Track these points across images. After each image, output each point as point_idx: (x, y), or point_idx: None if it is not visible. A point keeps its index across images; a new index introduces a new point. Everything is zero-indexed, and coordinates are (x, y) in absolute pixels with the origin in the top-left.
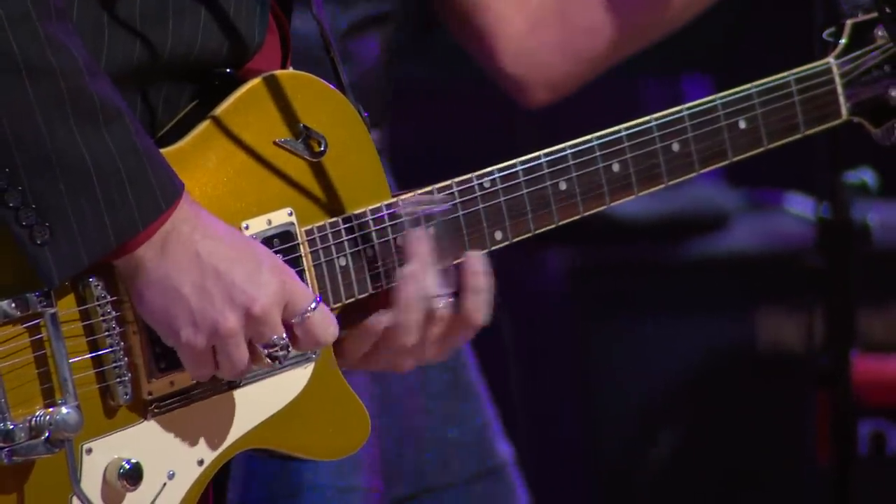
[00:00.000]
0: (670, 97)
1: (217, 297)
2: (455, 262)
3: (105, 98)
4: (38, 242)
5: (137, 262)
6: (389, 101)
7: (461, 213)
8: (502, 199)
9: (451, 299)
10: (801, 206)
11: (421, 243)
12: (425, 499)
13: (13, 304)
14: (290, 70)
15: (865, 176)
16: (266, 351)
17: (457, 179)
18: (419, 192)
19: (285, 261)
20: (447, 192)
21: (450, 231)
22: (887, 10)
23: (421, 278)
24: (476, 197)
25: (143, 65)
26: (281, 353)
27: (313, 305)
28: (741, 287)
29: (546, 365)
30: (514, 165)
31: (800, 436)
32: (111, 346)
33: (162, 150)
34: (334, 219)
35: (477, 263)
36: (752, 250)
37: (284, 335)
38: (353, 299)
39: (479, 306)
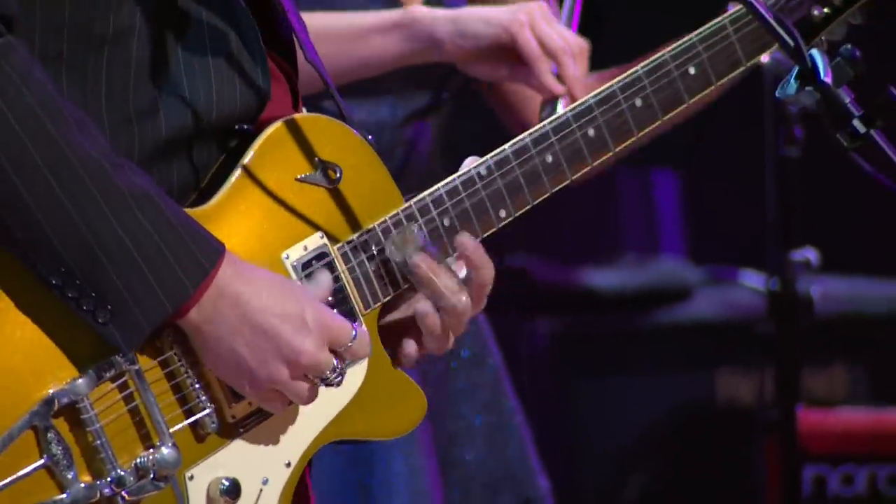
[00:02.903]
0: (641, 185)
1: (269, 354)
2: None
3: (133, 186)
4: (101, 321)
5: (194, 327)
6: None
7: (468, 203)
8: (500, 182)
9: (464, 290)
10: (753, 281)
11: (421, 266)
12: None
13: (101, 369)
14: (301, 113)
15: (809, 254)
16: (322, 383)
17: (458, 174)
18: (428, 192)
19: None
20: (450, 186)
21: (462, 221)
22: None
23: (435, 279)
24: (478, 187)
25: (185, 130)
26: (336, 379)
27: (354, 334)
28: (702, 350)
29: (535, 417)
30: (503, 150)
31: (752, 480)
32: (192, 386)
33: (202, 208)
34: (359, 232)
35: (466, 243)
36: (711, 318)
37: (336, 364)
38: (389, 297)
39: (486, 273)
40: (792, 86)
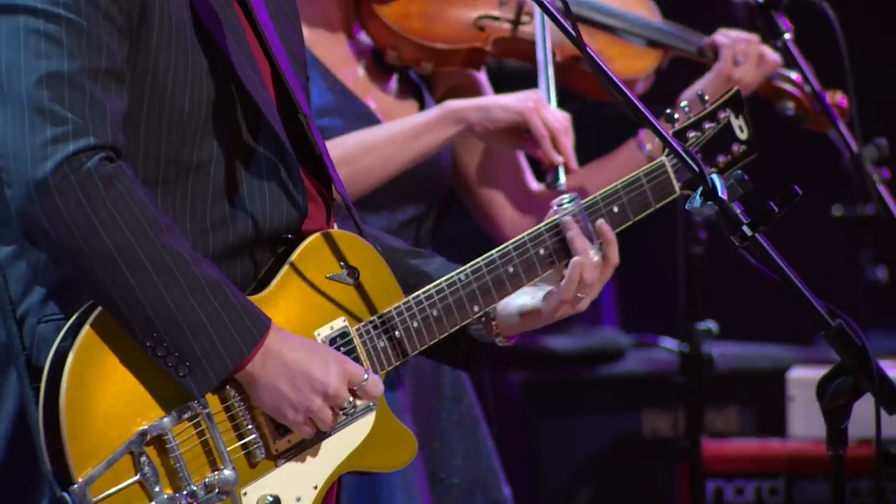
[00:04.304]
0: None
1: (305, 389)
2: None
3: (207, 276)
4: (181, 375)
5: (249, 376)
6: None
7: (451, 299)
8: (475, 285)
9: (600, 252)
10: (670, 344)
11: (574, 225)
12: None
13: (181, 411)
14: (332, 228)
15: (710, 325)
16: (341, 412)
17: (444, 278)
18: (422, 290)
19: (345, 351)
20: (438, 287)
21: (447, 313)
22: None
23: (583, 239)
24: (457, 287)
25: (246, 238)
26: (350, 410)
27: (366, 377)
28: (631, 396)
29: (507, 445)
30: (478, 262)
31: (668, 493)
32: (247, 426)
33: (258, 295)
34: (372, 317)
35: (605, 228)
36: (638, 372)
37: (351, 399)
38: (392, 366)
39: (615, 252)
40: (697, 200)
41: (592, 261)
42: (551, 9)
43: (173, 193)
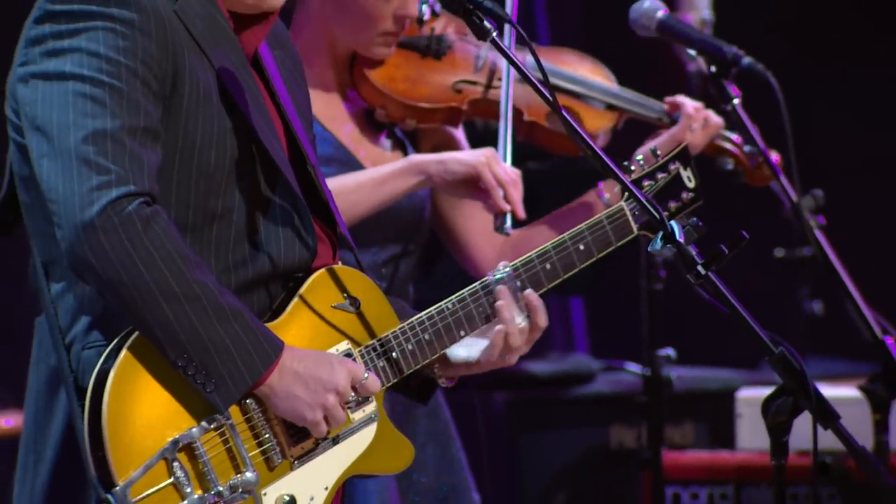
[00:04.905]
0: (562, 306)
1: (318, 390)
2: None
3: (231, 306)
4: (208, 391)
5: (267, 390)
6: (412, 302)
7: (440, 325)
8: (461, 312)
9: (527, 319)
10: (634, 368)
11: (505, 293)
12: None
13: (208, 422)
14: (337, 265)
15: (669, 352)
16: (347, 406)
17: (434, 307)
18: (416, 317)
19: None
20: (429, 313)
21: (436, 336)
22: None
23: (509, 310)
24: (446, 314)
25: (263, 275)
26: (353, 404)
27: (366, 375)
28: (601, 412)
29: (493, 456)
30: (463, 293)
31: (633, 498)
32: (265, 434)
33: (273, 322)
34: (372, 341)
35: (532, 296)
36: (607, 393)
37: (354, 395)
38: (390, 383)
39: (542, 317)
40: (658, 243)
41: (518, 327)
42: (529, 74)
43: (200, 238)
